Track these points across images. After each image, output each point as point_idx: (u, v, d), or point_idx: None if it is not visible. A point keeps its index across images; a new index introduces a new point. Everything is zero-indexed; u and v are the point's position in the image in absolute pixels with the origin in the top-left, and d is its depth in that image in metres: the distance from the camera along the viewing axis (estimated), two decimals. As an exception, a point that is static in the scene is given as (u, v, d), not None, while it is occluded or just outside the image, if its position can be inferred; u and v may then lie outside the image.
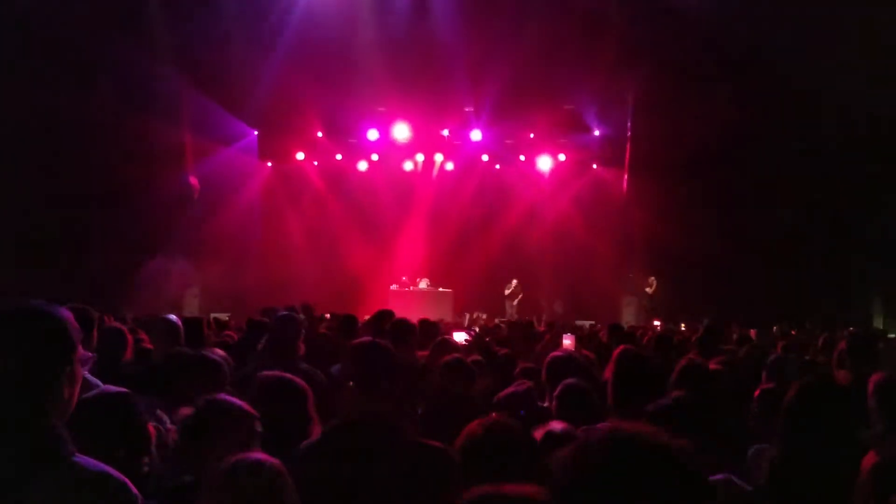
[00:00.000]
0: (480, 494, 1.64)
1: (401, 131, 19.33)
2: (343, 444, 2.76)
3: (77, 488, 1.82)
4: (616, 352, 3.65)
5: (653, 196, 17.84)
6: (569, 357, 4.37)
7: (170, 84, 15.66)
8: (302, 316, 5.67)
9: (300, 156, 19.96)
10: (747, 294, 16.10)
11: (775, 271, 16.68)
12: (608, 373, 3.58)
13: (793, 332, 10.85)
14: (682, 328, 13.46)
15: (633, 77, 17.08)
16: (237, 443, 2.44)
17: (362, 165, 20.21)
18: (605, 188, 19.94)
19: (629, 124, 19.09)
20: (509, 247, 19.37)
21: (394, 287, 18.53)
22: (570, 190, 20.08)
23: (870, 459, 2.64)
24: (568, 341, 6.48)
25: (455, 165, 20.26)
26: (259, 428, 2.62)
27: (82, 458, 1.87)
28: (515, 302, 19.08)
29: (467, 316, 17.57)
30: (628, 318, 17.98)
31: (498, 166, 20.48)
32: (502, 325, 11.15)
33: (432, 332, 6.20)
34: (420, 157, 20.18)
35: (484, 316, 17.38)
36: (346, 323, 6.84)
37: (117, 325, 5.27)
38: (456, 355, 4.60)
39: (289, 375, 3.37)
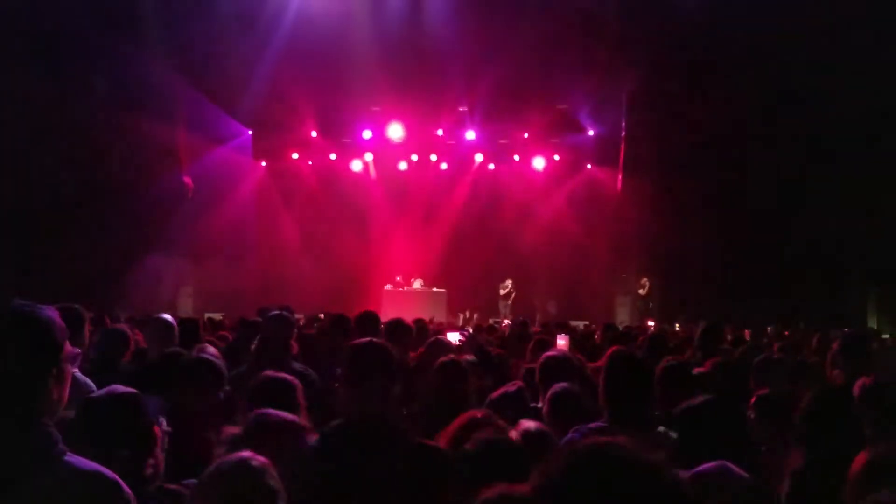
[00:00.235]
0: (497, 495, 1.63)
1: (395, 131, 19.33)
2: (343, 445, 2.75)
3: (69, 487, 1.82)
4: (608, 353, 3.65)
5: (646, 196, 17.85)
6: (563, 358, 4.32)
7: (164, 83, 15.61)
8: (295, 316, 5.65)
9: (294, 155, 19.96)
10: (740, 294, 16.13)
11: (768, 271, 16.71)
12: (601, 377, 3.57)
13: (786, 333, 10.86)
14: (677, 328, 13.48)
15: (626, 77, 17.07)
16: (288, 455, 2.41)
17: (356, 165, 20.20)
18: (599, 188, 19.96)
19: (623, 124, 19.09)
20: (503, 247, 19.36)
21: (388, 287, 18.51)
22: (564, 190, 20.11)
23: (861, 458, 2.66)
24: (562, 341, 6.44)
25: (449, 165, 20.26)
26: (309, 437, 2.59)
27: (74, 458, 1.87)
28: (510, 301, 19.09)
29: (461, 316, 17.57)
30: (622, 317, 17.99)
31: (492, 166, 20.47)
32: (502, 325, 11.12)
33: (425, 333, 6.20)
34: (414, 157, 20.19)
35: (476, 315, 17.36)
36: (338, 323, 6.78)
37: (121, 327, 5.28)
38: (450, 356, 4.59)
39: (281, 374, 3.37)
